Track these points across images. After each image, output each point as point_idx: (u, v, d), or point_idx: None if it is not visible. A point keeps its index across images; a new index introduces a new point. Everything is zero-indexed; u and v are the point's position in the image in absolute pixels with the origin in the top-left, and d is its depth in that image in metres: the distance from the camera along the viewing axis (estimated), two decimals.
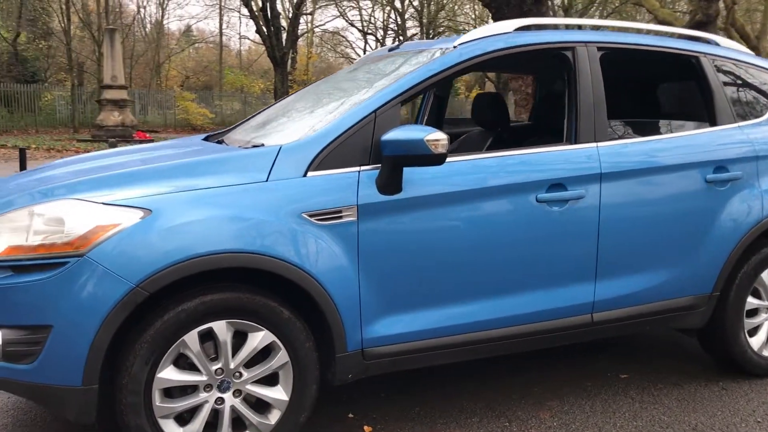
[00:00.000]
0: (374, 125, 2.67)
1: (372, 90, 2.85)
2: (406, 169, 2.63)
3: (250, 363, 2.51)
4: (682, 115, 3.66)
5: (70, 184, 2.50)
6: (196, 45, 41.80)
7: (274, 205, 2.49)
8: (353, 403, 3.15)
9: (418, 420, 2.99)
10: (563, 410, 3.10)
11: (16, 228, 2.36)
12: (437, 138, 2.52)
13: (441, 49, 3.03)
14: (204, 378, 2.44)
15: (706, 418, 3.04)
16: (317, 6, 35.71)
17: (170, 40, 39.24)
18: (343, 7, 36.45)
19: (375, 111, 2.69)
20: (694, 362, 3.71)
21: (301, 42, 35.84)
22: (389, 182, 2.60)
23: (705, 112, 3.45)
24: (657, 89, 4.05)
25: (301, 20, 32.02)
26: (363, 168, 2.63)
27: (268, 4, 26.05)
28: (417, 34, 34.93)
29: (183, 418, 2.45)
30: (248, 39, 45.28)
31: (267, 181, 2.52)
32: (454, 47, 2.98)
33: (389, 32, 37.81)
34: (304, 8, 30.91)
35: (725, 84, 3.48)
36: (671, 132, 3.40)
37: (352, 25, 38.11)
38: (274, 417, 2.56)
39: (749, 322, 3.46)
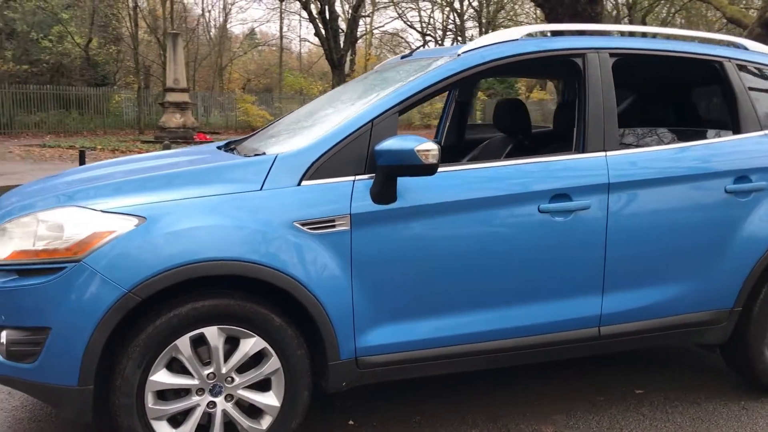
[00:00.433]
0: (370, 135, 2.68)
1: (372, 99, 2.86)
2: (402, 179, 2.64)
3: (243, 368, 2.56)
4: (702, 123, 3.52)
5: (74, 192, 2.61)
6: (259, 48, 42.68)
7: (267, 214, 2.53)
8: (353, 410, 3.16)
9: (418, 429, 2.99)
10: (568, 425, 3.03)
11: (25, 233, 2.48)
12: (428, 148, 2.51)
13: (445, 57, 3.02)
14: (196, 382, 2.50)
15: None
16: (376, 8, 35.91)
17: (234, 43, 40.21)
18: (402, 9, 36.50)
19: (372, 120, 2.70)
20: (717, 379, 3.56)
21: (360, 43, 36.14)
22: (383, 191, 2.61)
23: (728, 120, 3.31)
24: (676, 96, 3.91)
25: (360, 22, 32.28)
26: (358, 177, 2.64)
27: (326, 7, 26.37)
28: (475, 35, 34.65)
29: (176, 420, 2.53)
30: (308, 41, 45.94)
31: (261, 189, 2.57)
32: (458, 55, 2.96)
33: (448, 33, 37.71)
34: (363, 10, 31.11)
35: (751, 90, 3.33)
36: (688, 140, 3.27)
37: (411, 26, 38.11)
38: (265, 422, 2.61)
39: None
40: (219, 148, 3.47)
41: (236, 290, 2.54)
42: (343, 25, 28.70)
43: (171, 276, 2.38)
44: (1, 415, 3.08)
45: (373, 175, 2.63)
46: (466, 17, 36.29)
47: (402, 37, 37.82)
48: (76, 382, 2.38)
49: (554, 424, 3.04)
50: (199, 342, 2.50)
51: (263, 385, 2.60)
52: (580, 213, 2.89)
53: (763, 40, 4.71)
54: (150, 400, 2.46)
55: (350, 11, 29.98)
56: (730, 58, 3.34)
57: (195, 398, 2.52)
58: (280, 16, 39.86)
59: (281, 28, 51.06)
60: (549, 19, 9.14)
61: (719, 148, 3.21)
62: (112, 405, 2.44)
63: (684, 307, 3.11)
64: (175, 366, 2.49)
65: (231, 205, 2.53)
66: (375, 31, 39.79)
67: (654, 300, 3.06)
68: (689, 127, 3.49)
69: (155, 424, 2.48)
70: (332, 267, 2.58)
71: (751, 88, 3.33)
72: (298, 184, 2.60)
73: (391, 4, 35.38)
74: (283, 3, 34.41)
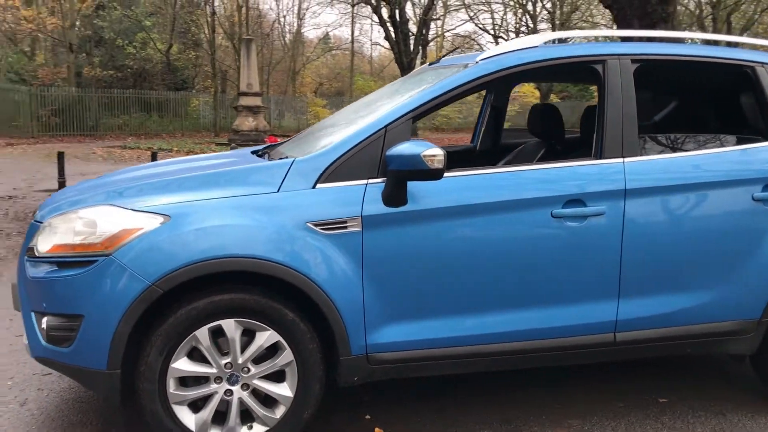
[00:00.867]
0: (384, 140, 2.79)
1: (388, 105, 2.97)
2: (415, 183, 2.74)
3: (258, 360, 2.72)
4: (730, 129, 3.44)
5: (112, 191, 2.84)
6: (332, 52, 43.40)
7: (282, 215, 2.68)
8: (372, 405, 3.27)
9: (431, 427, 3.07)
10: (582, 429, 3.04)
11: (66, 228, 2.72)
12: (434, 154, 2.61)
13: (464, 64, 3.09)
14: (214, 370, 2.68)
15: None
16: (447, 11, 35.90)
17: (307, 48, 41.05)
18: (474, 11, 36.30)
19: (386, 126, 2.82)
20: (749, 390, 3.47)
21: (432, 46, 36.20)
22: (393, 195, 2.72)
23: (759, 126, 3.24)
24: (702, 102, 3.83)
25: (432, 25, 32.37)
26: (371, 181, 2.76)
27: (396, 11, 26.60)
28: None
29: (196, 406, 2.71)
30: (379, 45, 46.38)
31: (278, 192, 2.72)
32: (476, 63, 3.03)
33: (521, 35, 37.25)
34: (434, 13, 31.17)
35: None
36: (713, 147, 3.21)
37: (484, 29, 37.83)
38: (279, 411, 2.76)
39: None
40: (253, 153, 3.66)
41: (252, 285, 2.70)
42: (413, 28, 28.86)
43: (191, 270, 2.56)
44: (51, 395, 3.36)
45: (386, 179, 2.75)
46: (539, 19, 35.74)
47: (474, 40, 37.50)
48: (105, 366, 2.59)
49: (569, 428, 3.06)
50: (217, 333, 2.67)
51: (278, 376, 2.75)
52: (595, 218, 2.90)
53: None
54: (171, 386, 2.65)
55: (421, 14, 30.10)
56: (763, 63, 3.27)
57: (213, 386, 2.69)
58: (352, 20, 40.31)
59: (353, 32, 51.75)
60: (617, 21, 8.96)
61: (748, 155, 3.14)
62: (136, 389, 2.65)
63: (706, 316, 3.07)
64: (196, 355, 2.67)
65: (251, 206, 2.69)
66: (446, 34, 39.74)
67: (674, 308, 3.03)
68: (716, 134, 3.42)
69: (176, 409, 2.67)
70: (343, 266, 2.71)
71: None
72: (313, 187, 2.74)
73: (462, 6, 35.23)
74: (355, 7, 34.84)
